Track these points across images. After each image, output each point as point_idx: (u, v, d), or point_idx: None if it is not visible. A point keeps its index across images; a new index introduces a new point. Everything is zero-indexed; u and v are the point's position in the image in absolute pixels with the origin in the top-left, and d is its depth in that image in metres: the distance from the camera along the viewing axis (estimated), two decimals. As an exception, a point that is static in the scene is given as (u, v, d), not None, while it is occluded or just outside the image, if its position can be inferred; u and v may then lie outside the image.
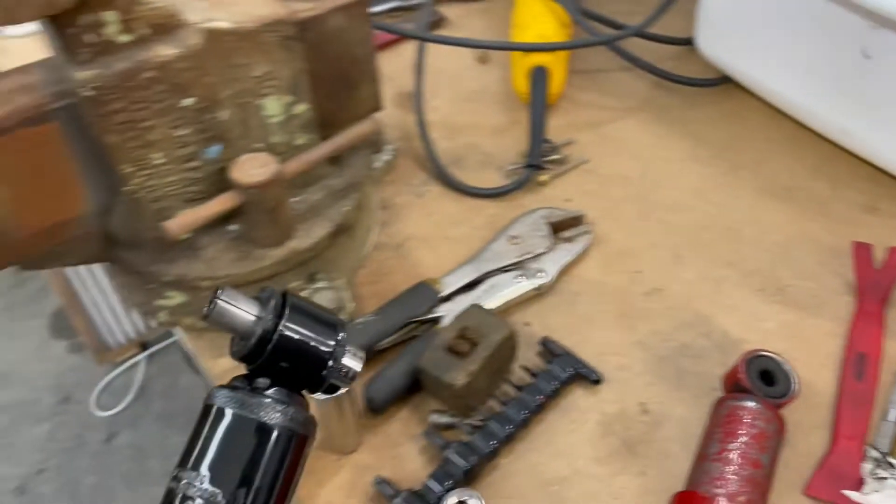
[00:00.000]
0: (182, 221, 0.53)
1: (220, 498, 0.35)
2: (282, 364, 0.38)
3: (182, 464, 0.36)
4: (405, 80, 0.80)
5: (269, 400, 0.37)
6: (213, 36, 0.51)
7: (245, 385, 0.38)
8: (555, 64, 0.74)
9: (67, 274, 1.58)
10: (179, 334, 0.63)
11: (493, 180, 0.71)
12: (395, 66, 0.80)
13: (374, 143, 0.67)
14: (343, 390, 0.48)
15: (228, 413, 0.36)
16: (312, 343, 0.38)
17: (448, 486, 0.48)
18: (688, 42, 0.80)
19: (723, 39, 0.73)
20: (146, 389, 1.78)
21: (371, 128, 0.61)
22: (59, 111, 0.50)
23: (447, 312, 0.59)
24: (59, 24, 0.45)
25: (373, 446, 0.53)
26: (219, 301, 0.37)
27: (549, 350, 0.57)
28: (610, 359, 0.58)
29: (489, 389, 0.55)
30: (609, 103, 0.78)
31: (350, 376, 0.39)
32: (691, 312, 0.61)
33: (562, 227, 0.65)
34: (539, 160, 0.68)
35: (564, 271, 0.63)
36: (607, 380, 0.56)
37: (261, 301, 0.39)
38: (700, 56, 0.77)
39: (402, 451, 0.53)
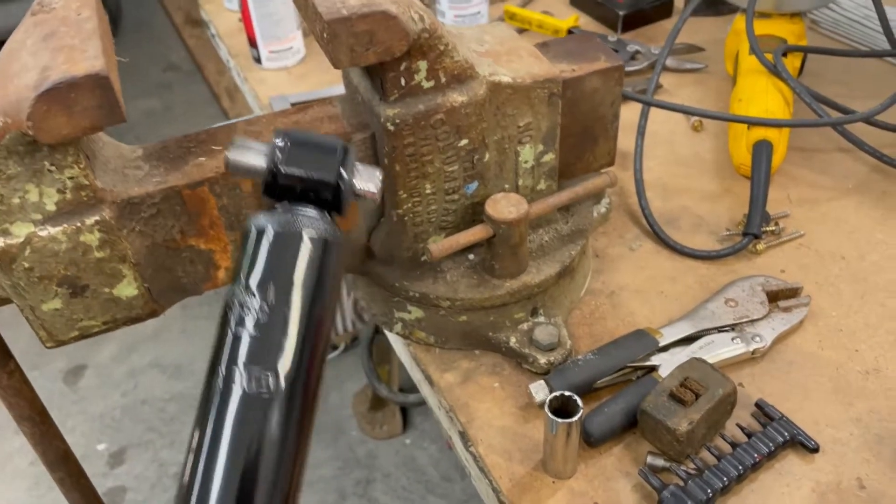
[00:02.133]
0: (443, 246, 0.60)
1: (270, 298, 0.37)
2: (300, 193, 0.41)
3: (235, 281, 0.38)
4: (620, 139, 0.85)
5: (300, 216, 0.40)
6: (496, 88, 0.58)
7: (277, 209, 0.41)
8: (778, 139, 0.76)
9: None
10: (400, 349, 0.70)
11: (705, 243, 0.74)
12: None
13: (597, 195, 0.72)
14: (575, 418, 0.52)
15: (270, 231, 0.39)
16: (314, 170, 0.41)
17: (664, 524, 0.51)
18: (913, 131, 0.80)
19: (956, 131, 0.73)
20: (299, 399, 1.89)
21: (608, 182, 0.67)
22: (357, 139, 0.59)
23: (663, 362, 0.62)
24: (383, 69, 0.53)
25: (588, 476, 0.57)
26: (227, 155, 0.41)
27: (766, 413, 0.58)
28: (825, 430, 0.58)
29: (704, 440, 0.57)
30: (826, 182, 0.79)
31: (366, 196, 0.42)
32: (910, 398, 0.60)
33: (778, 297, 0.66)
34: (759, 230, 0.71)
35: (779, 340, 0.64)
36: (823, 450, 0.57)
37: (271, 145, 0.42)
38: (926, 145, 0.77)
39: (615, 484, 0.56)
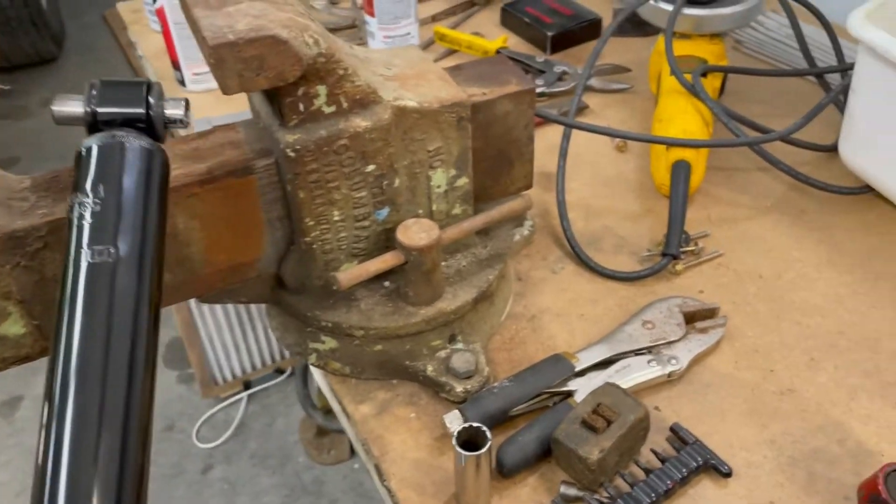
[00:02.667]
0: (352, 275, 0.58)
1: (100, 194, 0.43)
2: (118, 124, 0.48)
3: (73, 191, 0.44)
4: (544, 160, 0.85)
5: (120, 134, 0.46)
6: (401, 112, 0.57)
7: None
8: (696, 159, 0.76)
9: (191, 307, 1.69)
10: (319, 379, 0.68)
11: (626, 264, 0.74)
12: (536, 146, 0.84)
13: (517, 218, 0.71)
14: (483, 450, 0.51)
15: (94, 146, 0.46)
16: (125, 109, 0.48)
17: (575, 556, 0.50)
18: (830, 149, 0.81)
19: (868, 149, 0.74)
20: (244, 427, 1.85)
21: (524, 205, 0.66)
22: (259, 166, 0.57)
23: (580, 387, 0.61)
24: (279, 94, 0.52)
25: (501, 508, 0.55)
26: (52, 108, 0.48)
27: (680, 437, 0.58)
28: (739, 453, 0.58)
29: (618, 467, 0.56)
30: (745, 201, 0.80)
31: (179, 121, 0.49)
32: (824, 417, 0.60)
33: (695, 318, 0.66)
34: (677, 250, 0.71)
35: (696, 361, 0.64)
36: (736, 474, 0.56)
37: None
38: (843, 164, 0.78)
39: (528, 516, 0.55)
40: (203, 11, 0.49)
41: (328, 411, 1.70)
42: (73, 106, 0.48)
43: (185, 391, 1.92)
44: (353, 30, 1.12)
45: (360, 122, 0.55)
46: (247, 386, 1.90)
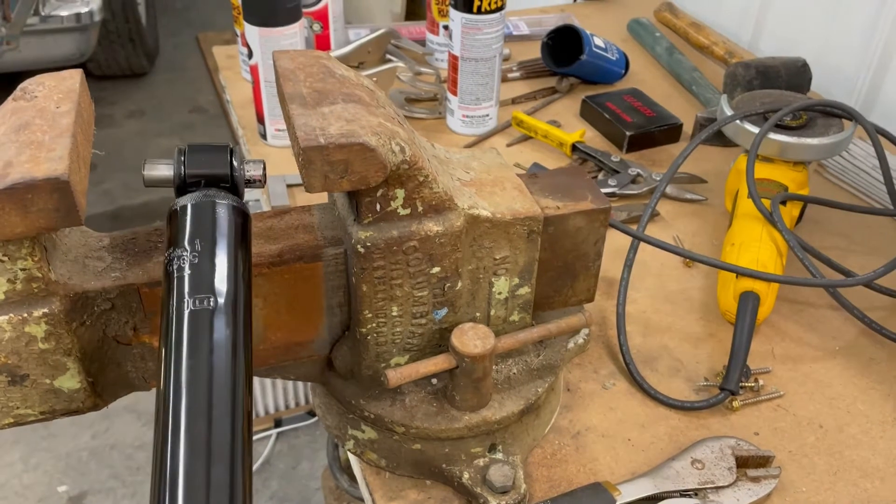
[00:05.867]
0: (401, 374, 0.58)
1: (197, 248, 0.46)
2: (203, 185, 0.51)
3: (168, 247, 0.48)
4: (607, 265, 0.84)
5: (209, 193, 0.50)
6: (474, 220, 0.57)
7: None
8: (766, 292, 0.74)
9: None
10: (354, 465, 0.67)
11: (680, 390, 0.72)
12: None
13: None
14: None
15: (190, 206, 0.49)
16: (210, 170, 0.51)
17: None
18: (907, 297, 0.78)
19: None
20: (269, 465, 1.85)
21: (583, 322, 0.65)
22: (329, 254, 0.57)
23: (618, 522, 0.58)
24: (359, 193, 0.53)
25: None
26: (143, 173, 0.51)
27: None
28: None
29: None
30: (812, 340, 0.77)
31: (257, 180, 0.53)
32: None
33: (747, 464, 0.63)
34: (736, 386, 0.68)
35: (743, 511, 0.61)
36: None
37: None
38: (920, 315, 0.75)
39: None
40: (298, 109, 0.50)
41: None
42: (162, 170, 0.51)
43: (216, 419, 1.94)
44: (433, 102, 1.14)
45: (432, 227, 0.55)
46: (277, 423, 1.91)
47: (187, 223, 0.48)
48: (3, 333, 0.50)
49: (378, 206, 0.53)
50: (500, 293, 0.62)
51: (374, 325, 0.59)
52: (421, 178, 0.53)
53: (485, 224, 0.57)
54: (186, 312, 0.44)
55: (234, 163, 0.52)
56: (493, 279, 0.61)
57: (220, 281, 0.46)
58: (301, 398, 1.91)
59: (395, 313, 0.59)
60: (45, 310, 0.50)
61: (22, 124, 0.48)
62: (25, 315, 0.50)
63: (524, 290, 0.63)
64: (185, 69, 3.68)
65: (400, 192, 0.53)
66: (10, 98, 0.51)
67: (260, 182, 0.53)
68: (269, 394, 1.86)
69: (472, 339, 0.59)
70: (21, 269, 0.48)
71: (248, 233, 0.51)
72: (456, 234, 0.56)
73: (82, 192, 0.46)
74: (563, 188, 0.63)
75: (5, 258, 0.48)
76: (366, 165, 0.49)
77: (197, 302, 0.44)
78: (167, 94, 3.47)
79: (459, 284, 0.59)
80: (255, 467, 1.83)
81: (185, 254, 0.47)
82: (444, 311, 0.60)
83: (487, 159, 0.64)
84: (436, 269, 0.57)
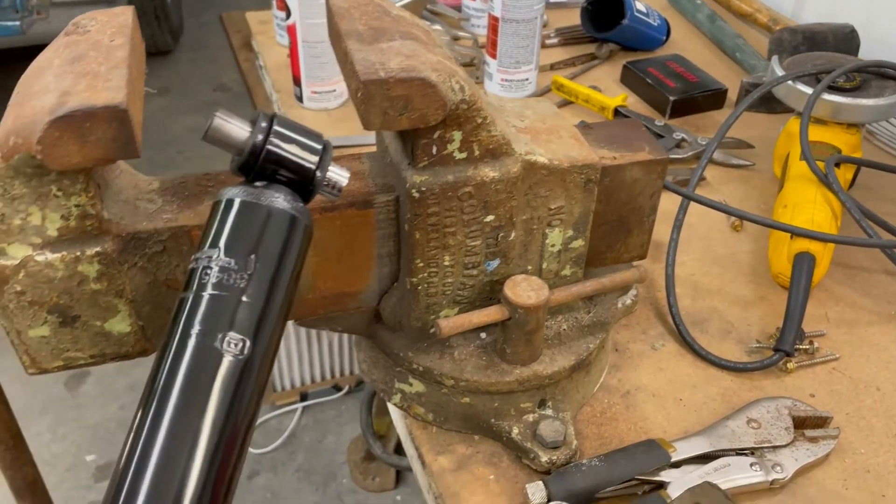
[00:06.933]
0: (454, 323, 0.57)
1: (232, 264, 0.39)
2: (274, 175, 0.43)
3: (199, 248, 0.40)
4: (657, 228, 0.82)
5: (270, 191, 0.42)
6: (530, 167, 0.55)
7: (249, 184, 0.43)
8: (822, 253, 0.72)
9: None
10: (398, 420, 0.66)
11: (732, 352, 0.70)
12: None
13: (624, 287, 0.68)
14: None
15: (237, 201, 0.41)
16: (297, 156, 0.42)
17: None
18: (967, 262, 0.76)
19: None
20: (294, 438, 1.85)
21: (637, 277, 0.63)
22: (380, 201, 0.56)
23: (674, 480, 0.57)
24: (415, 134, 0.51)
25: None
26: (216, 117, 0.42)
27: (778, 554, 0.53)
28: (841, 583, 0.53)
29: (707, 576, 0.52)
30: (868, 304, 0.75)
31: (337, 189, 0.44)
32: (940, 559, 0.55)
33: (804, 425, 0.62)
34: (792, 347, 0.66)
35: (801, 472, 0.59)
36: None
37: (253, 122, 0.43)
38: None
39: None
40: (356, 45, 0.49)
41: (381, 436, 1.69)
42: (235, 129, 0.43)
43: (242, 392, 1.94)
44: (471, 68, 1.12)
45: (488, 172, 0.54)
46: (303, 397, 1.91)
47: (227, 224, 0.41)
48: (56, 272, 0.49)
49: (434, 149, 0.52)
50: (553, 245, 0.60)
51: (425, 274, 0.58)
52: (479, 120, 0.52)
53: (541, 171, 0.56)
54: (191, 345, 0.38)
55: (326, 158, 0.43)
56: (546, 230, 0.59)
57: (247, 322, 0.39)
58: (327, 372, 1.91)
59: (447, 263, 0.57)
60: (98, 248, 0.49)
61: (76, 56, 0.47)
62: (78, 253, 0.49)
63: (578, 244, 0.61)
64: (208, 48, 3.68)
65: (457, 135, 0.52)
66: (61, 33, 0.50)
67: (337, 192, 0.45)
68: (294, 367, 1.86)
69: (525, 290, 0.57)
70: (75, 206, 0.48)
71: (305, 245, 0.43)
72: (512, 181, 0.55)
73: (139, 123, 0.45)
74: (620, 139, 0.62)
75: (60, 193, 0.47)
76: (426, 102, 0.48)
77: (226, 344, 0.38)
78: (191, 72, 3.48)
79: (513, 235, 0.58)
80: (280, 440, 1.83)
81: (217, 258, 0.39)
82: (496, 263, 0.59)
83: (541, 108, 0.62)
84: (490, 218, 0.56)
